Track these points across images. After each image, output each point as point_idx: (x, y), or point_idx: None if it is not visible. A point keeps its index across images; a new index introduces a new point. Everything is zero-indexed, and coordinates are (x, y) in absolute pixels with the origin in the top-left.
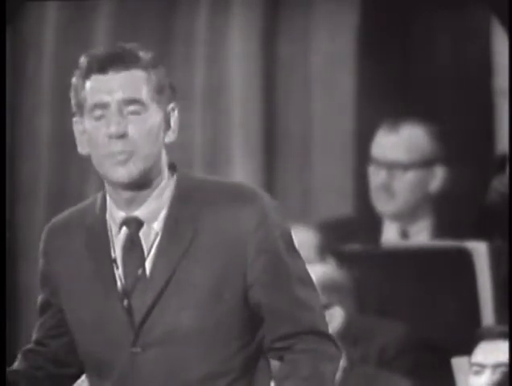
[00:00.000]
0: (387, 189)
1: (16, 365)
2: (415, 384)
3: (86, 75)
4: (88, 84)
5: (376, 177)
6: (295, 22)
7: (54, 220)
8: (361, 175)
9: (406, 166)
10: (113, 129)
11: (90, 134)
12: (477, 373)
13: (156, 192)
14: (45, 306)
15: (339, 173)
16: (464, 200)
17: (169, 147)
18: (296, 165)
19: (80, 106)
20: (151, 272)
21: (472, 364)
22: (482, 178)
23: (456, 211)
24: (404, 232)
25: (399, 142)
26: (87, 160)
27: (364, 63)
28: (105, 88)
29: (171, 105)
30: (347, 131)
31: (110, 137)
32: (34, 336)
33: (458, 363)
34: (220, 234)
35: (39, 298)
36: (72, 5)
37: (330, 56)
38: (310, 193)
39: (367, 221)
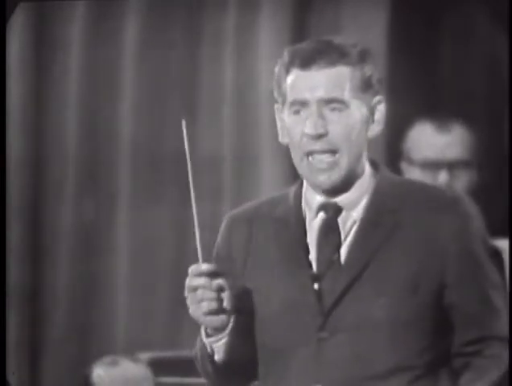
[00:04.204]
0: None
1: None
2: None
3: (288, 68)
4: (289, 77)
5: (430, 178)
6: (325, 21)
7: (235, 212)
8: (392, 172)
9: (467, 165)
10: (311, 131)
11: (289, 128)
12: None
13: (359, 182)
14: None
15: None
16: (495, 198)
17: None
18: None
19: (282, 96)
20: (346, 258)
21: None
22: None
23: (485, 208)
24: None
25: (456, 141)
26: (114, 159)
27: (394, 60)
28: (306, 86)
29: (377, 98)
30: None
31: (309, 138)
32: None
33: None
34: (420, 231)
35: None
36: (99, 3)
37: None
38: None
39: None
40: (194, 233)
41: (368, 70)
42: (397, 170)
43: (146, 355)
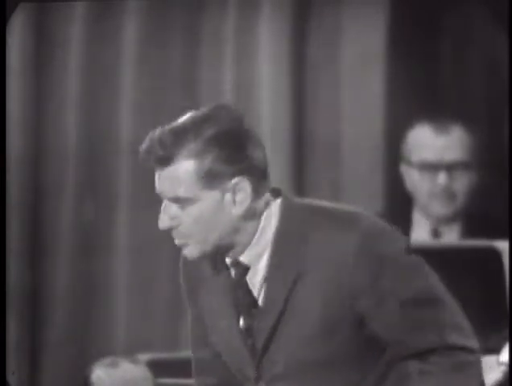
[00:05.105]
0: (447, 191)
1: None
2: None
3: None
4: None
5: (428, 180)
6: (325, 23)
7: None
8: (390, 175)
9: (466, 167)
10: (159, 225)
11: None
12: (505, 372)
13: (257, 236)
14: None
15: (368, 173)
16: (494, 200)
17: None
18: (325, 165)
19: None
20: (263, 310)
21: (499, 364)
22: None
23: (485, 209)
24: (436, 231)
25: (455, 143)
26: (113, 159)
27: (394, 63)
28: (157, 183)
29: (235, 180)
30: (376, 131)
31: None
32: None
33: (487, 362)
34: (324, 267)
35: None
36: (99, 4)
37: (359, 56)
38: (339, 193)
39: (395, 220)
40: None
41: (217, 157)
42: (397, 173)
43: (145, 356)
